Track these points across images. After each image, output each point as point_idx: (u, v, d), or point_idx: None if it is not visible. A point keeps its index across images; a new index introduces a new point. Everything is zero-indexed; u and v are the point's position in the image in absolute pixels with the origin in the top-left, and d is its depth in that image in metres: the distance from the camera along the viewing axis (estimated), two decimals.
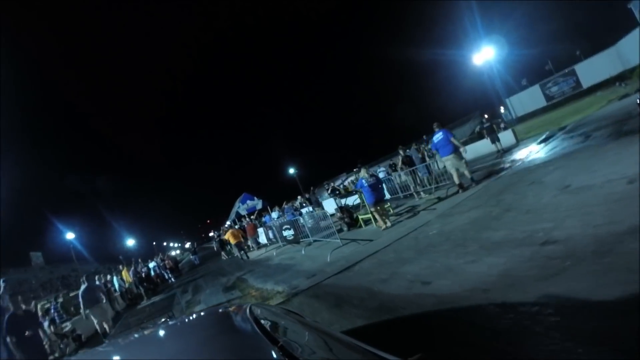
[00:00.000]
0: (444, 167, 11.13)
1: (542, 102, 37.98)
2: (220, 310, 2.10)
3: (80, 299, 9.69)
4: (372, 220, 10.43)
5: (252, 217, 19.54)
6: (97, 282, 14.39)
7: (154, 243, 65.96)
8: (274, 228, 13.48)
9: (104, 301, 10.11)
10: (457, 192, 10.33)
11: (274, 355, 1.09)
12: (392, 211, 9.81)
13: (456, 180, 10.47)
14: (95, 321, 9.69)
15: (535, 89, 38.38)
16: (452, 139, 10.29)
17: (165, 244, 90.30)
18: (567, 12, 40.18)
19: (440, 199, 10.42)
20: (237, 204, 22.23)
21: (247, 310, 1.69)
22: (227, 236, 16.48)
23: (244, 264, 14.07)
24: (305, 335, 1.62)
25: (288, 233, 11.94)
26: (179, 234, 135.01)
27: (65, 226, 32.71)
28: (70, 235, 31.88)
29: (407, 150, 13.54)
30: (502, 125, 18.81)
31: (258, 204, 22.07)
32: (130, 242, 46.60)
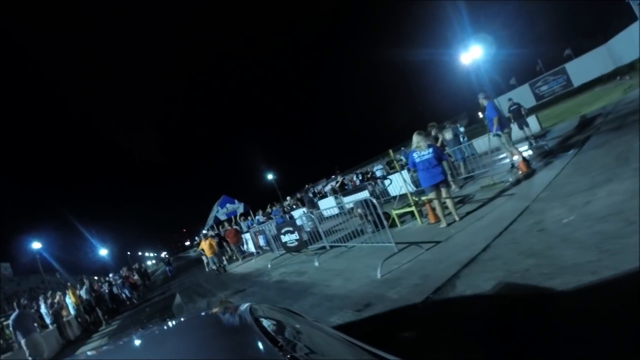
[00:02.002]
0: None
1: (531, 102, 36.42)
2: (221, 310, 2.05)
3: (11, 329, 8.46)
4: (416, 215, 7.36)
5: (236, 221, 15.99)
6: (43, 305, 11.53)
7: (129, 253, 60.21)
8: (267, 232, 10.12)
9: (37, 332, 8.73)
10: (522, 175, 7.68)
11: (274, 355, 1.04)
12: (449, 202, 6.54)
13: (516, 156, 8.54)
14: (27, 353, 8.29)
15: (525, 88, 36.87)
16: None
17: (140, 253, 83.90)
18: (559, 9, 39.07)
19: (509, 183, 7.53)
20: (216, 208, 18.73)
21: (247, 310, 1.61)
22: (202, 247, 13.02)
23: (228, 279, 10.58)
24: (305, 335, 1.51)
25: (290, 238, 8.61)
26: (154, 244, 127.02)
27: (35, 235, 28.46)
28: (36, 245, 27.79)
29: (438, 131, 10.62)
30: (523, 112, 16.36)
31: (239, 207, 18.64)
32: (104, 252, 41.49)
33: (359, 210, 8.77)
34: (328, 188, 22.77)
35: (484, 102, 9.40)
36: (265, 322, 1.43)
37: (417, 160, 6.43)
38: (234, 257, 15.00)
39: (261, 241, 10.84)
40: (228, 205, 18.57)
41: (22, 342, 8.27)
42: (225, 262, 13.56)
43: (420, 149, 6.45)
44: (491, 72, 35.74)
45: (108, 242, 46.39)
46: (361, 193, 12.33)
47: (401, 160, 17.97)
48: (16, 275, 39.27)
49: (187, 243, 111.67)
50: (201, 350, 1.27)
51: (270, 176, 36.69)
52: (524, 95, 36.48)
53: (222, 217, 18.20)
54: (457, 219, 6.21)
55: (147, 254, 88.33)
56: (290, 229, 8.53)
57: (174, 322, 2.08)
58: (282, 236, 8.91)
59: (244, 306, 1.72)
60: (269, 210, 17.30)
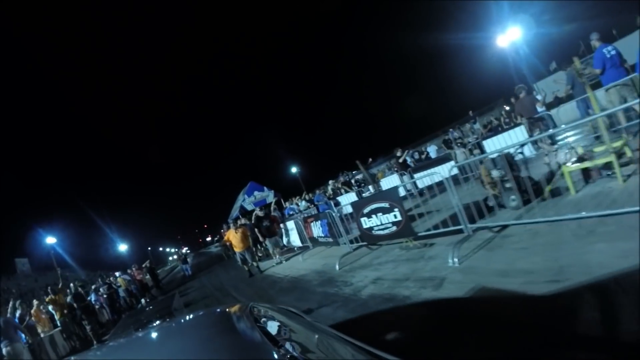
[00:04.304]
0: None
1: None
2: (221, 310, 1.94)
3: None
4: (615, 167, 3.82)
5: (272, 207, 12.23)
6: (19, 312, 8.68)
7: (149, 248, 57.18)
8: (334, 216, 6.34)
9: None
10: None
11: (274, 355, 1.01)
12: None
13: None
14: None
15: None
16: None
17: (161, 249, 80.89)
18: None
19: None
20: (242, 196, 15.21)
21: (248, 310, 1.56)
22: (228, 238, 9.36)
23: (269, 286, 6.98)
24: (305, 335, 1.45)
25: (381, 221, 4.94)
26: (175, 240, 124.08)
27: (53, 231, 26.87)
28: (51, 240, 26.09)
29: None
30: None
31: (269, 195, 15.09)
32: (123, 248, 39.19)
33: (495, 174, 5.15)
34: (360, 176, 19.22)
35: (596, 43, 6.91)
36: (265, 322, 1.41)
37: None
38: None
39: (317, 230, 7.17)
40: (256, 193, 15.01)
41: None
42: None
43: None
44: (530, 55, 31.64)
45: (128, 238, 44.12)
46: (443, 166, 8.66)
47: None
48: (34, 271, 37.47)
49: (209, 239, 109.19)
50: (201, 350, 1.21)
51: (294, 169, 33.27)
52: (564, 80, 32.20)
53: (250, 207, 14.63)
54: None
55: (167, 250, 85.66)
56: (385, 205, 4.84)
57: (174, 322, 2.01)
58: (363, 219, 5.26)
59: (244, 306, 1.67)
60: (306, 197, 13.77)
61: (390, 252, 5.52)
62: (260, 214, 9.32)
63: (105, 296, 10.63)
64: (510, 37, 28.84)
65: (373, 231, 5.18)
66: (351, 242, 6.28)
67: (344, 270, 5.58)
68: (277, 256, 9.13)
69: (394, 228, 4.87)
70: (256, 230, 8.90)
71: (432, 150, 15.40)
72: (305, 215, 8.43)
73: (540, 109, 14.65)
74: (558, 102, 16.45)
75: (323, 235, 6.92)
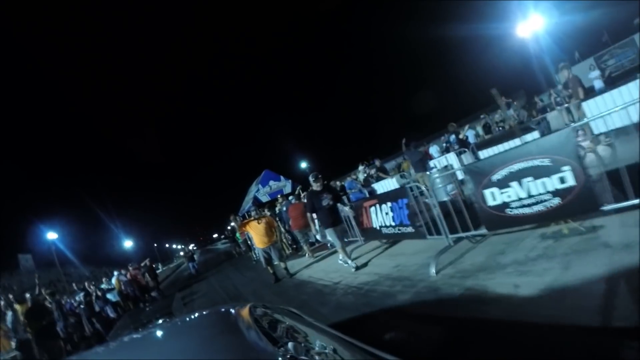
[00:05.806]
0: None
1: None
2: (221, 310, 1.88)
3: None
4: None
5: (299, 194, 9.76)
6: None
7: (155, 245, 55.00)
8: (425, 192, 4.11)
9: None
10: None
11: (274, 355, 1.00)
12: None
13: None
14: None
15: (590, 63, 30.30)
16: None
17: (167, 245, 78.67)
18: None
19: None
20: (255, 186, 13.19)
21: (248, 310, 1.51)
22: (248, 229, 7.06)
23: (314, 301, 4.90)
24: (305, 335, 1.39)
25: (531, 190, 2.89)
26: (182, 236, 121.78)
27: (56, 226, 25.00)
28: (51, 235, 24.23)
29: None
30: None
31: (286, 185, 13.06)
32: (128, 244, 38.18)
33: None
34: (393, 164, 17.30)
35: None
36: (265, 322, 1.36)
37: None
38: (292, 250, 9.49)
39: (382, 218, 4.99)
40: (272, 182, 12.95)
41: None
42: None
43: None
44: (552, 44, 29.53)
45: (134, 235, 42.91)
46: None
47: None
48: (37, 267, 36.87)
49: (215, 235, 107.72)
50: (201, 350, 1.18)
51: (303, 164, 31.54)
52: (588, 71, 30.07)
53: (265, 198, 12.60)
54: None
55: (175, 246, 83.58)
56: (542, 162, 2.77)
57: (174, 322, 1.96)
58: (490, 192, 3.20)
59: (244, 306, 1.62)
60: (332, 184, 11.70)
61: (520, 243, 3.47)
62: (318, 187, 5.51)
63: (82, 307, 8.46)
64: (531, 25, 26.70)
65: (508, 209, 3.11)
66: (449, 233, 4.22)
67: (448, 276, 3.51)
68: (349, 260, 5.49)
69: (556, 201, 2.80)
70: (310, 215, 5.60)
71: (470, 134, 13.55)
72: (359, 195, 6.30)
73: (598, 85, 12.56)
74: (611, 80, 14.41)
75: (395, 223, 4.73)
